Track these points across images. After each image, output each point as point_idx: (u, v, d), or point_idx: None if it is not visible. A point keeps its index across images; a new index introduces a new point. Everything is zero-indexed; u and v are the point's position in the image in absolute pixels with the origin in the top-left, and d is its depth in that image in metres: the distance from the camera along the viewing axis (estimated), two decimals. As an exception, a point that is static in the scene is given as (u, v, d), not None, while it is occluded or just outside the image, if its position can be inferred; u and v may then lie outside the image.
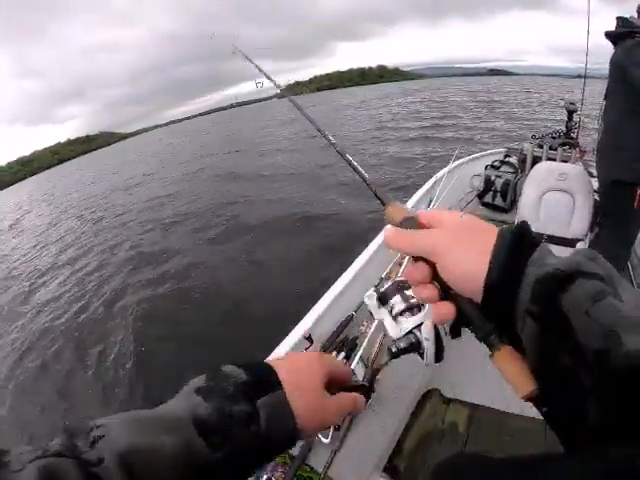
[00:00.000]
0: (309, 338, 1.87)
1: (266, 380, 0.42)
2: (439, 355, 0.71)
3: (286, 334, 1.91)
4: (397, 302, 0.80)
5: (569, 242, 2.83)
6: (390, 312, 0.80)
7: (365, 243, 2.63)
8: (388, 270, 2.23)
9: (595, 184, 2.72)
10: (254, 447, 0.38)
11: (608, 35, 2.34)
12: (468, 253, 0.39)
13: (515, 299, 0.36)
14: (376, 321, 1.89)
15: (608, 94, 2.38)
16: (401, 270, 2.16)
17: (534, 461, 0.34)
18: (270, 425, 0.39)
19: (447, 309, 0.42)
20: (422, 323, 0.72)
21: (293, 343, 1.83)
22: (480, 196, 3.78)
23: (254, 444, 0.38)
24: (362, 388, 0.56)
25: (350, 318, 2.05)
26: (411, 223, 0.46)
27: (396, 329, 0.77)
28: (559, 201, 2.86)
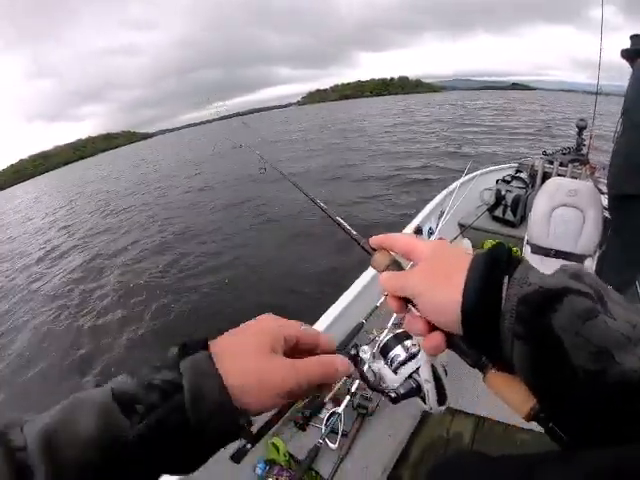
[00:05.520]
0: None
1: (194, 345, 0.37)
2: (442, 398, 0.70)
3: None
4: (398, 352, 0.83)
5: (577, 258, 2.85)
6: (391, 364, 0.82)
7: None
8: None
9: (605, 201, 2.74)
10: (179, 419, 0.32)
11: (626, 53, 2.29)
12: (440, 289, 0.39)
13: (497, 322, 0.35)
14: (386, 330, 1.94)
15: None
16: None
17: (531, 459, 0.35)
18: (195, 392, 0.33)
19: (437, 340, 0.42)
20: (419, 367, 0.73)
21: None
22: (490, 210, 3.79)
23: (178, 415, 0.32)
24: (345, 354, 0.46)
25: (360, 326, 2.10)
26: (395, 265, 0.49)
27: (396, 378, 0.77)
28: (569, 217, 2.86)
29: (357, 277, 2.44)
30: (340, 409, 1.73)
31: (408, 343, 0.82)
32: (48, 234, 14.18)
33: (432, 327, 0.42)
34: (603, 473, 0.26)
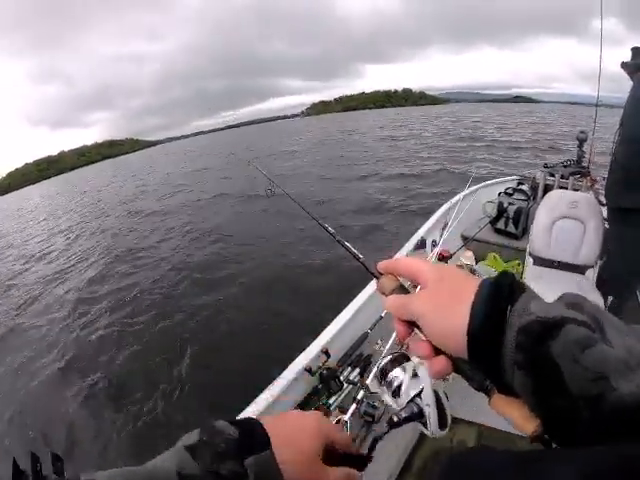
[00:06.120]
0: (326, 353, 1.96)
1: (254, 438, 0.40)
2: (443, 421, 0.70)
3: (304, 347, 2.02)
4: (397, 374, 0.82)
5: (579, 269, 2.89)
6: (390, 386, 0.81)
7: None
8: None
9: (605, 212, 2.79)
10: None
11: (626, 66, 2.33)
12: (446, 314, 0.40)
13: (500, 350, 0.36)
14: (391, 340, 1.98)
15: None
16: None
17: (536, 453, 0.36)
18: None
19: (442, 364, 0.42)
20: (422, 390, 0.72)
21: (311, 356, 1.93)
22: (493, 222, 3.84)
23: None
24: (359, 460, 0.54)
25: (365, 336, 2.14)
26: (401, 290, 0.49)
27: (397, 402, 0.78)
28: (570, 228, 2.90)
29: (361, 289, 2.48)
30: (346, 417, 1.76)
31: (406, 365, 0.84)
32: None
33: (437, 351, 0.43)
34: (607, 471, 0.26)
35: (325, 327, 2.16)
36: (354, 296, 2.44)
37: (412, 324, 0.45)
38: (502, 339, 0.36)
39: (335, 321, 2.20)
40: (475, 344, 0.37)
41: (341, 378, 1.95)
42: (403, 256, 0.55)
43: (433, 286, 0.43)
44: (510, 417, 0.39)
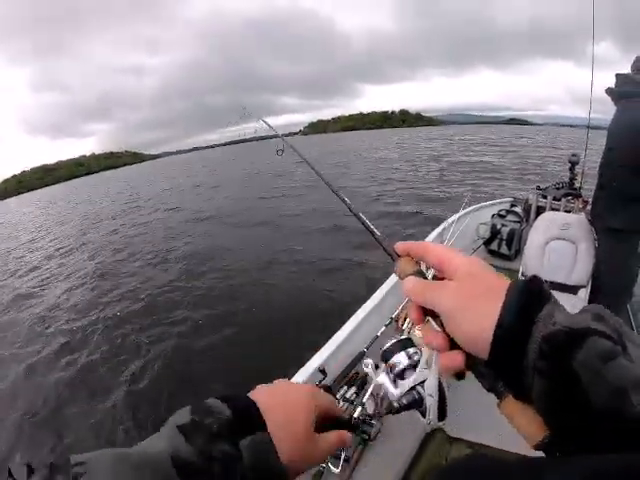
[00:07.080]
0: (323, 371, 1.99)
1: (249, 418, 0.40)
2: (442, 413, 0.70)
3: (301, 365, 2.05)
4: (400, 360, 0.82)
5: (572, 289, 2.93)
6: (390, 371, 0.81)
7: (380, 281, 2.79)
8: (399, 310, 2.37)
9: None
10: None
11: (610, 93, 2.42)
12: (474, 313, 0.39)
13: (523, 356, 0.36)
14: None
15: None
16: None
17: (538, 460, 0.36)
18: (254, 467, 0.37)
19: (457, 360, 0.41)
20: (425, 380, 0.71)
21: (308, 375, 1.95)
22: (486, 244, 3.91)
23: None
24: (348, 422, 0.56)
25: (362, 355, 2.16)
26: (419, 275, 0.47)
27: (397, 390, 0.77)
28: (562, 249, 2.96)
29: (359, 306, 2.52)
30: (342, 434, 1.78)
31: (411, 350, 0.83)
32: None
33: (451, 344, 0.42)
34: (610, 476, 0.27)
35: (322, 345, 2.19)
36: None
37: (427, 312, 0.44)
38: (527, 346, 0.36)
39: (331, 340, 2.23)
40: (500, 348, 0.37)
41: (337, 396, 1.97)
42: (430, 242, 0.52)
43: (463, 280, 0.42)
44: (518, 422, 0.39)
